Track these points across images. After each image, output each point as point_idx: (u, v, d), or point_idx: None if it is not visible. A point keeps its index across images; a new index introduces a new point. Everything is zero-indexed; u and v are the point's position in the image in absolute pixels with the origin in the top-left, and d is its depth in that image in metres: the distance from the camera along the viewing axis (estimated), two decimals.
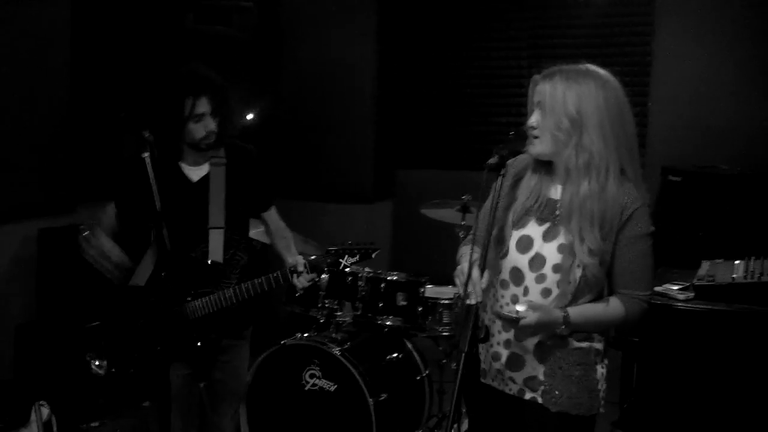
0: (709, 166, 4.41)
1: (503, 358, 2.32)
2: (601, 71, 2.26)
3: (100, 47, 4.63)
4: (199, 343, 2.79)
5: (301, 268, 2.83)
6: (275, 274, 2.85)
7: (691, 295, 3.19)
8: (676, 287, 3.26)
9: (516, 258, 2.29)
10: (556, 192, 2.30)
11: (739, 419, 3.11)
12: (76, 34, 4.44)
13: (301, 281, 2.85)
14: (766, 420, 3.07)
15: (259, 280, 2.85)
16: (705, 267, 3.44)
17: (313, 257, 2.87)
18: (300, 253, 3.00)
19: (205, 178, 2.96)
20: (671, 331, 3.17)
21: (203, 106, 2.82)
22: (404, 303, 3.77)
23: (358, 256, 2.88)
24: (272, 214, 3.14)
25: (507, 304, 2.30)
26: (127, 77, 4.68)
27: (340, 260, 2.88)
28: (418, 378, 3.82)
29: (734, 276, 3.20)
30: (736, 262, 3.40)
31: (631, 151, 2.24)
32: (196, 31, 5.09)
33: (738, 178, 4.20)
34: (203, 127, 2.84)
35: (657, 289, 3.26)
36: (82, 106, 4.51)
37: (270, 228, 3.14)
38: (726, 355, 3.11)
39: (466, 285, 2.14)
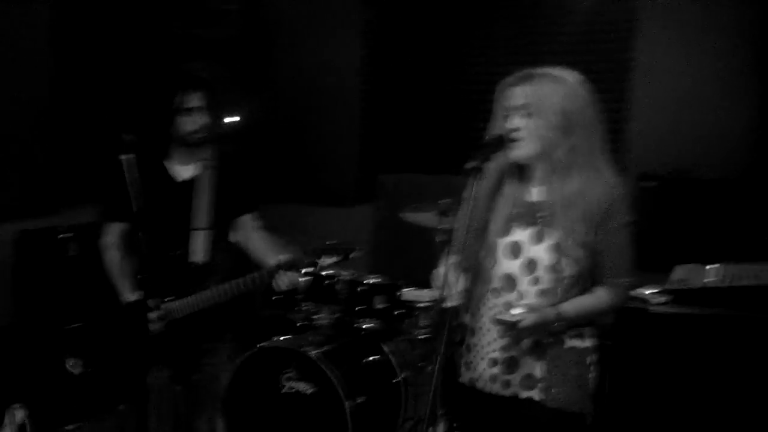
0: (684, 172, 4.46)
1: (500, 363, 2.34)
2: (572, 72, 2.31)
3: (83, 48, 4.61)
4: (178, 344, 2.79)
5: (279, 269, 2.83)
6: (254, 275, 2.85)
7: (664, 299, 3.23)
8: (649, 291, 3.30)
9: (506, 265, 2.31)
10: (534, 194, 2.34)
11: (712, 423, 3.14)
12: (57, 36, 4.42)
13: (282, 281, 2.86)
14: (740, 423, 3.11)
15: (238, 281, 2.85)
16: (678, 272, 3.48)
17: (291, 257, 2.87)
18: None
19: (191, 180, 2.97)
20: (644, 335, 3.20)
21: (194, 100, 2.86)
22: (382, 306, 3.79)
23: (335, 257, 2.90)
24: (249, 219, 3.12)
25: (500, 312, 2.31)
26: (111, 79, 4.68)
27: (317, 261, 2.89)
28: (395, 381, 3.83)
29: (706, 280, 3.24)
30: (709, 266, 3.44)
31: (606, 146, 2.31)
32: (182, 34, 5.08)
33: (713, 184, 4.26)
34: (193, 122, 2.86)
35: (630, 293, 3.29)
36: (64, 107, 4.50)
37: (247, 232, 3.11)
38: (699, 358, 3.15)
39: (442, 288, 2.16)
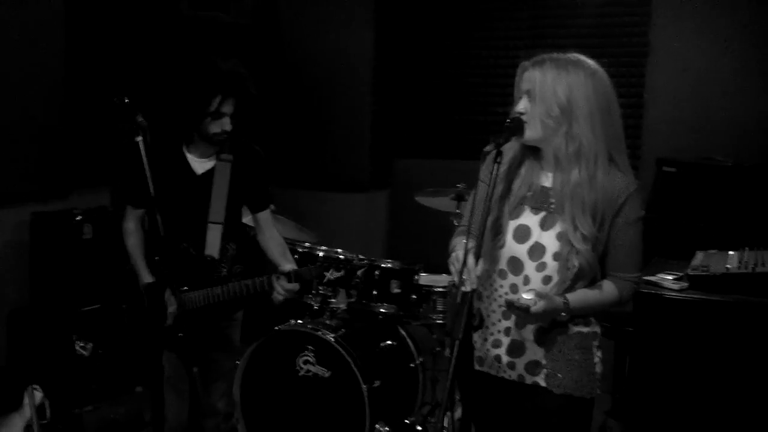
0: (703, 158, 4.42)
1: (504, 345, 2.34)
2: (590, 61, 2.28)
3: (95, 33, 4.60)
4: (180, 334, 2.78)
5: (284, 278, 2.86)
6: (261, 279, 2.89)
7: (685, 285, 3.19)
8: (670, 277, 3.26)
9: (514, 247, 2.30)
10: (547, 179, 2.32)
11: (732, 410, 3.11)
12: (70, 20, 4.41)
13: (283, 289, 2.87)
14: (759, 411, 3.08)
15: (246, 283, 2.89)
16: (699, 257, 3.44)
17: (298, 269, 2.91)
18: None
19: (210, 172, 2.97)
20: (665, 321, 3.17)
21: (229, 107, 2.84)
22: (398, 290, 3.77)
23: (343, 271, 2.90)
24: (267, 215, 3.14)
25: (506, 294, 2.31)
26: (122, 63, 4.67)
27: (325, 273, 2.90)
28: (412, 365, 3.83)
29: (728, 266, 3.21)
30: (731, 252, 3.40)
31: (619, 140, 2.28)
32: (192, 17, 5.06)
33: (733, 170, 4.21)
34: (219, 126, 2.85)
35: (651, 278, 3.26)
36: (77, 91, 4.49)
37: (262, 228, 3.13)
38: (719, 345, 3.12)
39: (461, 272, 2.14)
